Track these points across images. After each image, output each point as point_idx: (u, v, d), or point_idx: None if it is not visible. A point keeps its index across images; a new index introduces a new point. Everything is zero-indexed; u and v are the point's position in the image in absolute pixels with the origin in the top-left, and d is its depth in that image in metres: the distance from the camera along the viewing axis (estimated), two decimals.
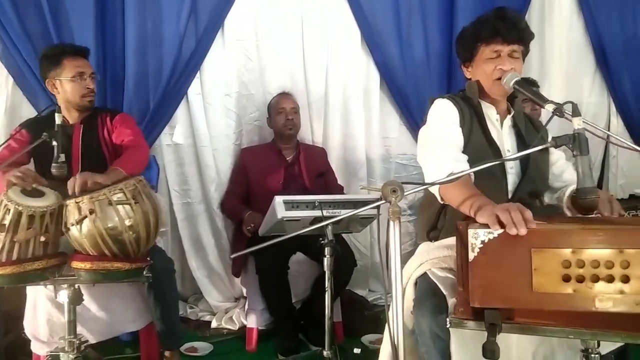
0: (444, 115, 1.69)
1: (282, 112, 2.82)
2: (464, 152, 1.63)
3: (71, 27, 2.62)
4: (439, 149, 1.62)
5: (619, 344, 1.37)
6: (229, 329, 2.82)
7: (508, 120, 1.77)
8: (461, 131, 1.66)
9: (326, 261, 1.94)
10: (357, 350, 2.41)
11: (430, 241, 1.73)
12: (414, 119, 3.09)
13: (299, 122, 2.89)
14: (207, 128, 2.89)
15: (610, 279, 1.09)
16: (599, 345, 1.27)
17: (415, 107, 3.08)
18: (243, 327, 2.76)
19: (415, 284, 1.58)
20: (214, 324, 2.86)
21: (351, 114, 3.09)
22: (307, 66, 3.02)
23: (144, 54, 2.74)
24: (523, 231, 1.13)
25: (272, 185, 2.76)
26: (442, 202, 1.60)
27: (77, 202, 1.69)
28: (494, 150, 1.68)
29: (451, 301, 1.35)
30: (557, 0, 3.20)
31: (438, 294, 1.42)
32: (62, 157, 1.83)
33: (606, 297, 1.09)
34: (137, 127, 2.35)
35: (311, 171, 2.85)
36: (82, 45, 2.29)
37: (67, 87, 2.17)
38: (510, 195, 1.67)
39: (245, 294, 2.87)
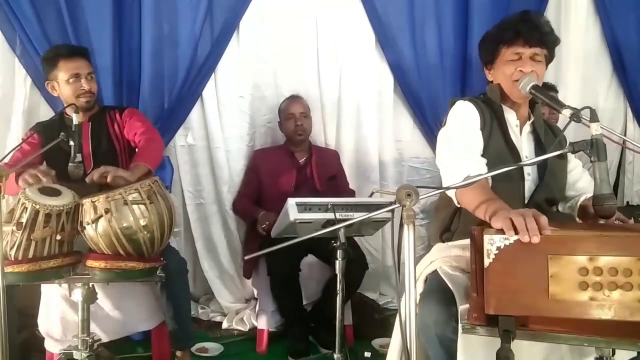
0: (464, 118, 1.68)
1: (291, 117, 2.82)
2: (483, 155, 1.62)
3: (88, 29, 2.65)
4: (458, 151, 1.61)
5: (634, 353, 1.35)
6: (240, 330, 2.83)
7: (527, 127, 1.75)
8: (481, 134, 1.65)
9: (338, 264, 1.94)
10: (367, 354, 2.41)
11: (443, 242, 1.72)
12: (427, 122, 3.07)
13: (309, 126, 2.88)
14: (221, 130, 2.90)
15: (628, 287, 1.08)
16: (614, 353, 1.25)
17: (428, 111, 3.07)
18: (254, 329, 2.76)
19: (425, 281, 1.58)
20: (224, 325, 2.88)
21: (364, 117, 3.09)
22: (320, 68, 3.02)
23: (159, 56, 2.77)
24: (536, 239, 1.13)
25: (284, 187, 2.76)
26: (458, 205, 1.59)
27: (93, 201, 1.70)
28: (514, 155, 1.67)
29: (462, 308, 1.34)
30: (573, 4, 3.17)
31: (446, 292, 1.41)
32: (79, 157, 1.86)
33: (623, 306, 1.08)
34: (147, 120, 2.35)
35: (322, 174, 2.85)
36: (79, 45, 2.31)
37: (64, 88, 2.19)
38: (526, 201, 1.66)
39: (256, 296, 2.88)
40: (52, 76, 2.20)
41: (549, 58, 1.71)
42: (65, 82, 2.17)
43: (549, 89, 2.74)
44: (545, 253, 1.12)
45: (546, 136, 1.77)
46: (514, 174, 1.64)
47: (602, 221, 1.39)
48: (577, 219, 1.70)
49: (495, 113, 1.71)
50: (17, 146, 2.17)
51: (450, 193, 1.57)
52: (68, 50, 2.23)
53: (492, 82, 1.76)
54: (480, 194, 1.41)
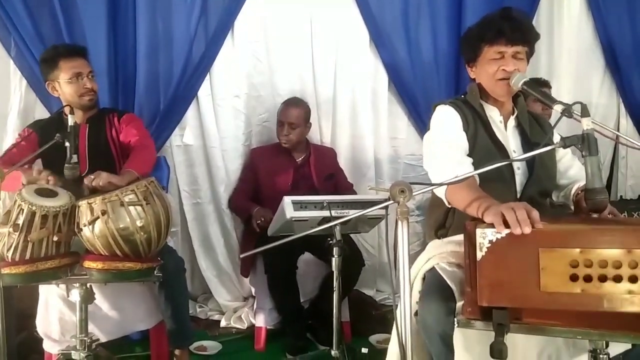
0: (446, 121, 1.70)
1: (282, 125, 2.80)
2: (470, 155, 1.63)
3: (83, 29, 2.65)
4: (443, 153, 1.62)
5: (627, 346, 1.37)
6: (238, 328, 2.84)
7: (512, 121, 1.77)
8: (465, 135, 1.66)
9: (334, 261, 1.95)
10: (364, 350, 2.42)
11: (438, 239, 1.74)
12: (422, 120, 3.09)
13: (297, 136, 2.81)
14: (217, 129, 2.91)
15: (618, 279, 1.09)
16: (607, 346, 1.27)
17: (423, 108, 3.08)
18: (252, 327, 2.78)
19: (423, 278, 1.59)
20: (223, 323, 2.89)
21: (359, 115, 3.10)
22: (315, 67, 3.03)
23: (154, 56, 2.77)
24: (527, 230, 1.14)
25: (280, 186, 2.77)
26: (449, 206, 1.60)
27: (89, 203, 1.70)
28: (501, 152, 1.68)
29: (459, 304, 1.36)
30: (566, 1, 3.19)
31: (445, 289, 1.42)
32: (75, 158, 1.85)
33: (614, 297, 1.09)
34: (143, 128, 2.36)
35: (321, 172, 2.86)
36: (78, 45, 2.31)
37: (66, 88, 2.18)
38: (518, 196, 1.67)
39: (254, 294, 2.89)
40: (52, 76, 2.19)
41: (530, 54, 1.72)
42: (66, 82, 2.17)
43: (542, 85, 2.76)
44: (536, 246, 1.14)
45: (531, 128, 1.78)
46: (505, 170, 1.65)
47: (595, 215, 1.40)
48: (573, 208, 1.71)
49: (477, 112, 1.72)
50: (14, 144, 2.18)
51: (440, 194, 1.58)
52: (68, 50, 2.23)
53: (474, 79, 1.78)
54: (471, 192, 1.42)
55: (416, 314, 1.48)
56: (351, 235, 2.66)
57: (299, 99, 2.91)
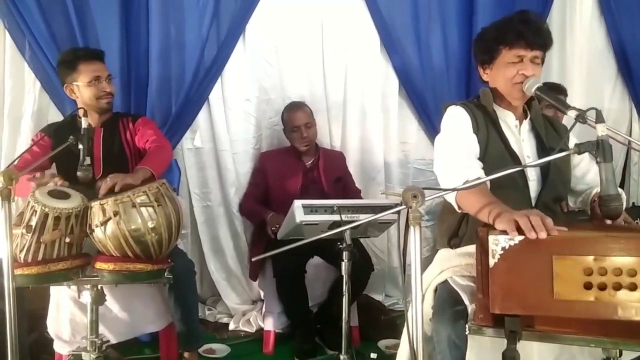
0: (456, 122, 1.68)
1: (296, 130, 2.79)
2: (482, 160, 1.61)
3: (97, 33, 2.68)
4: (453, 156, 1.60)
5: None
6: (247, 331, 2.84)
7: (526, 125, 1.74)
8: (476, 138, 1.64)
9: (344, 265, 1.95)
10: (373, 355, 2.41)
11: (451, 248, 1.71)
12: (432, 124, 3.08)
13: (314, 134, 2.85)
14: (228, 132, 2.92)
15: (632, 287, 1.08)
16: (620, 354, 1.25)
17: (433, 112, 3.07)
18: (260, 330, 2.78)
19: (435, 290, 1.57)
20: (231, 326, 2.89)
21: (369, 119, 3.10)
22: (326, 71, 3.03)
23: (167, 60, 2.79)
24: (543, 235, 1.13)
25: (290, 189, 2.77)
26: (459, 211, 1.57)
27: (101, 204, 1.72)
28: (513, 158, 1.65)
29: (471, 307, 1.35)
30: (578, 5, 3.18)
31: (458, 302, 1.41)
32: (88, 161, 1.87)
33: (628, 305, 1.08)
34: (158, 130, 2.39)
35: (330, 176, 2.86)
36: (96, 49, 2.34)
37: (85, 91, 2.20)
38: (534, 203, 1.65)
39: (262, 297, 2.89)
40: (70, 79, 2.21)
41: (544, 59, 1.70)
42: (86, 84, 2.19)
43: (559, 92, 2.72)
44: (549, 253, 1.13)
45: (547, 132, 1.75)
46: (518, 177, 1.63)
47: (608, 222, 1.39)
48: (592, 214, 1.69)
49: (490, 117, 1.70)
50: (28, 148, 2.19)
51: (450, 199, 1.56)
52: (87, 53, 2.26)
53: (487, 82, 1.76)
54: (482, 197, 1.40)
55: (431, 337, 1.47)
56: (360, 239, 2.65)
57: (298, 102, 2.92)
